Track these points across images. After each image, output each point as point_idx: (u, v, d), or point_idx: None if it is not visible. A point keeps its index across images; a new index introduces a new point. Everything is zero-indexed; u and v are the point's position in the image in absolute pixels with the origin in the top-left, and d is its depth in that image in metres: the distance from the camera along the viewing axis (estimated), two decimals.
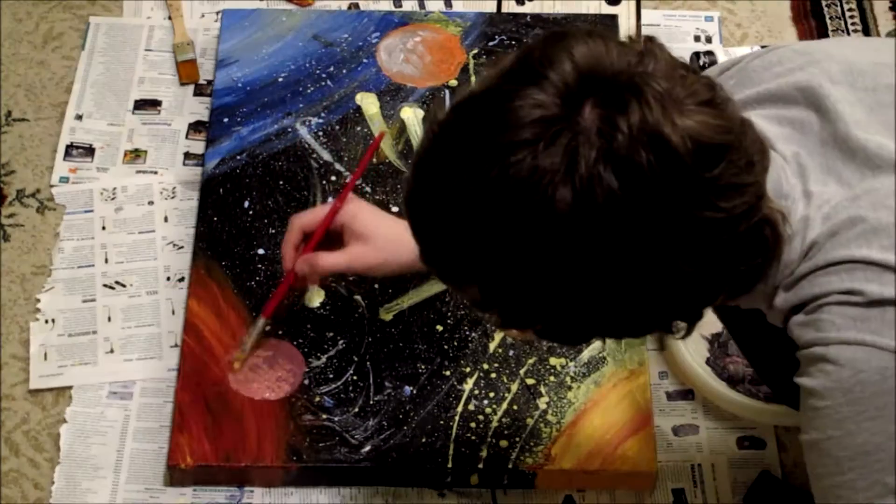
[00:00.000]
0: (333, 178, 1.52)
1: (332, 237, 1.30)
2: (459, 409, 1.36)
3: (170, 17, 1.70)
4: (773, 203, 0.95)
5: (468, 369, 1.38)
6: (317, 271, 1.29)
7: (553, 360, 1.39)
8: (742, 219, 0.90)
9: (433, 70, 1.62)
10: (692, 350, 1.43)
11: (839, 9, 1.76)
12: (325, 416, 1.35)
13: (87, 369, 1.41)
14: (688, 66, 0.92)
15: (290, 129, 1.56)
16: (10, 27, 1.69)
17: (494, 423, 1.35)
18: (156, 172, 1.57)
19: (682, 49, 1.70)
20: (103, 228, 1.52)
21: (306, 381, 1.37)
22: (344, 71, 1.61)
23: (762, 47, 1.68)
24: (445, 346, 1.40)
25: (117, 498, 1.33)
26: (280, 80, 1.60)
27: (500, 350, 1.40)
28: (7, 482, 1.35)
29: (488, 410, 1.35)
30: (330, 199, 1.45)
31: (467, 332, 1.41)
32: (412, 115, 1.57)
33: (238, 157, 1.53)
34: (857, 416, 0.93)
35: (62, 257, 1.49)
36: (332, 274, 1.36)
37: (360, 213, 1.30)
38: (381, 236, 1.28)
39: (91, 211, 1.53)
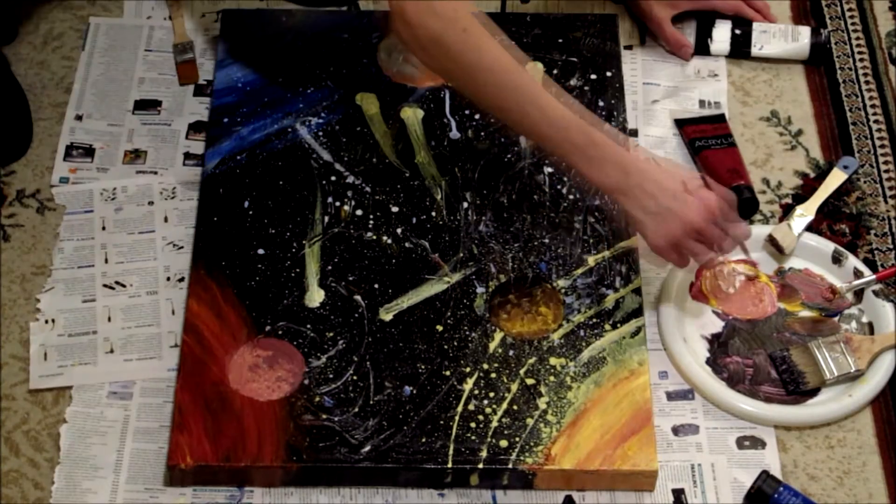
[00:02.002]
0: (333, 178, 1.52)
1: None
2: (459, 409, 1.36)
3: (170, 17, 1.70)
4: None
5: (468, 369, 1.38)
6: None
7: (553, 360, 1.39)
8: None
9: None
10: (692, 350, 1.43)
11: (839, 9, 1.76)
12: (325, 416, 1.35)
13: (87, 369, 1.41)
14: None
15: (290, 129, 1.56)
16: None
17: (494, 423, 1.35)
18: (156, 172, 1.57)
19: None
20: (103, 228, 1.52)
21: (306, 381, 1.37)
22: (344, 71, 1.61)
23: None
24: (445, 346, 1.40)
25: (117, 498, 1.33)
26: (280, 79, 1.60)
27: (500, 350, 1.40)
28: (7, 482, 1.35)
29: (488, 410, 1.35)
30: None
31: (467, 332, 1.41)
32: (412, 115, 1.58)
33: (238, 157, 1.53)
34: None
35: (62, 257, 1.49)
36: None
37: None
38: None
39: (91, 211, 1.53)
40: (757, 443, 1.38)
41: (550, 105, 1.33)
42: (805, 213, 1.51)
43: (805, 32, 1.69)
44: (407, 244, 1.47)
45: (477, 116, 1.57)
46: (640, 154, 1.37)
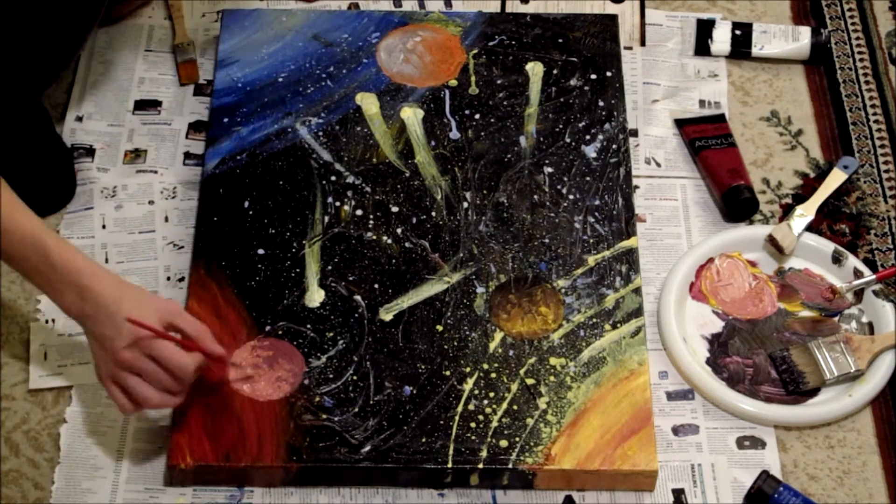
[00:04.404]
0: (333, 178, 1.52)
1: None
2: (459, 409, 1.36)
3: (170, 17, 1.70)
4: None
5: (468, 369, 1.38)
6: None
7: (553, 360, 1.39)
8: None
9: (433, 70, 1.62)
10: (692, 350, 1.43)
11: (839, 9, 1.76)
12: (325, 416, 1.35)
13: (87, 369, 1.41)
14: None
15: (290, 129, 1.56)
16: None
17: (494, 423, 1.35)
18: (156, 171, 1.57)
19: (681, 48, 1.70)
20: (104, 227, 1.52)
21: (306, 381, 1.37)
22: (344, 71, 1.61)
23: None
24: (445, 346, 1.40)
25: (117, 498, 1.33)
26: (280, 80, 1.60)
27: (500, 350, 1.40)
28: (7, 482, 1.35)
29: (488, 410, 1.35)
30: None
31: (467, 332, 1.41)
32: (412, 115, 1.58)
33: (238, 157, 1.53)
34: None
35: None
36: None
37: None
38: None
39: (91, 208, 1.53)
40: (757, 443, 1.38)
41: (12, 220, 1.22)
42: (805, 213, 1.51)
43: (805, 32, 1.69)
44: (407, 244, 1.47)
45: (477, 116, 1.57)
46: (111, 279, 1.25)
